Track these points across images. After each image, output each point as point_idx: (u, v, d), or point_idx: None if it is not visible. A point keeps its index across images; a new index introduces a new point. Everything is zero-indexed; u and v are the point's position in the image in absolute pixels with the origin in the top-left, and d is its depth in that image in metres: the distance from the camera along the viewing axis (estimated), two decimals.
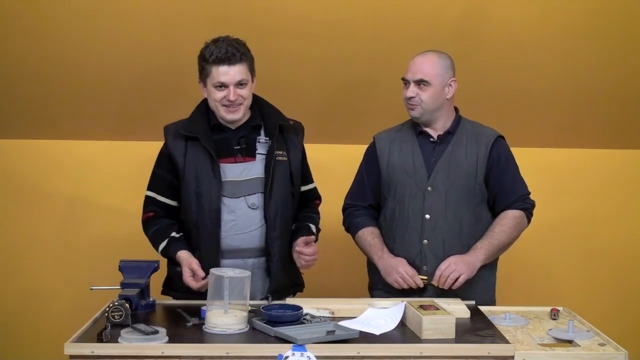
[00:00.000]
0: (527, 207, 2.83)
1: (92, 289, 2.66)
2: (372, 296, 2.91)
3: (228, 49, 2.61)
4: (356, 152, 3.01)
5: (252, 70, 2.69)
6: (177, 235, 2.71)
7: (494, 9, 3.23)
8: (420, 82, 2.72)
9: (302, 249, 2.69)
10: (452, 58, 2.79)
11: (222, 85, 2.63)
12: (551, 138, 3.84)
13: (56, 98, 3.51)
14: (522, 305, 2.73)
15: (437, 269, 2.68)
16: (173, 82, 3.43)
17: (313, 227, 2.84)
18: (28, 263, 3.78)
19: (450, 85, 2.77)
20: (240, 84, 2.64)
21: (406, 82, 2.77)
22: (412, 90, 2.74)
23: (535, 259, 3.87)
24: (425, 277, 2.73)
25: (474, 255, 2.70)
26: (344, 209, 2.97)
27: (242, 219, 2.69)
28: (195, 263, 2.61)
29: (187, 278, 2.61)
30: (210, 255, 2.66)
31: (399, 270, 2.72)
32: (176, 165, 2.70)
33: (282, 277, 2.73)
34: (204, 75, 2.66)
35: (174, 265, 2.71)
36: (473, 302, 2.68)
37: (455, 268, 2.64)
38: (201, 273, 2.59)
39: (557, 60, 3.43)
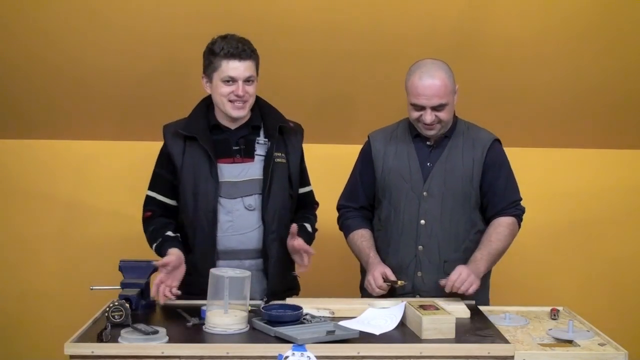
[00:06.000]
0: (519, 214, 2.82)
1: (92, 289, 2.66)
2: (362, 296, 2.90)
3: (239, 45, 2.63)
4: (354, 152, 3.01)
5: (257, 69, 2.70)
6: (172, 235, 2.70)
7: (493, 10, 3.23)
8: (438, 107, 2.66)
9: (301, 245, 2.64)
10: (447, 64, 2.74)
11: (231, 80, 2.63)
12: (550, 138, 3.84)
13: (55, 98, 3.51)
14: (522, 305, 2.73)
15: (448, 279, 2.61)
16: (173, 81, 3.42)
17: (309, 226, 2.83)
18: (28, 263, 3.78)
19: (455, 92, 2.75)
20: (248, 80, 2.65)
21: (419, 107, 2.68)
22: (431, 115, 2.66)
23: (535, 259, 3.86)
24: (397, 282, 2.68)
25: (477, 268, 2.66)
26: (337, 209, 2.96)
27: (239, 220, 2.68)
28: (174, 257, 2.58)
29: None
30: (207, 256, 2.65)
31: (368, 278, 2.71)
32: (175, 165, 2.70)
33: (279, 279, 2.72)
34: (211, 69, 2.66)
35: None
36: (473, 302, 2.68)
37: (467, 279, 2.60)
38: (168, 260, 2.55)
39: (556, 60, 3.43)
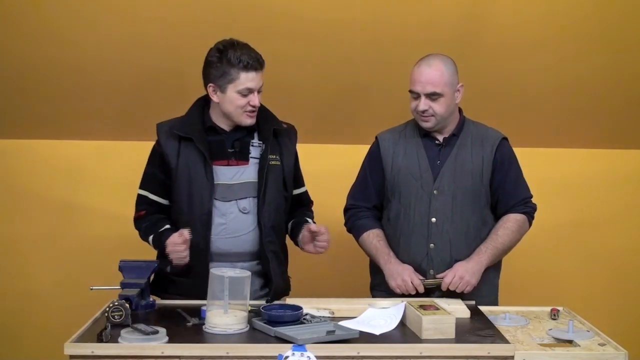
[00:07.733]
0: (529, 211, 2.82)
1: (92, 289, 2.66)
2: (373, 296, 2.90)
3: (251, 55, 2.62)
4: (354, 152, 3.01)
5: None
6: (170, 227, 2.69)
7: (495, 8, 3.23)
8: (432, 95, 2.69)
9: (318, 230, 2.68)
10: (454, 60, 2.77)
11: (248, 91, 2.63)
12: (551, 138, 3.84)
13: (54, 98, 3.51)
14: (522, 305, 2.73)
15: (443, 282, 2.67)
16: (171, 82, 3.42)
17: (310, 221, 2.85)
18: (28, 263, 3.78)
19: (458, 90, 2.75)
20: (259, 90, 2.66)
21: (415, 95, 2.72)
22: (424, 103, 2.69)
23: (535, 259, 3.86)
24: (433, 282, 2.71)
25: (478, 262, 2.69)
26: (347, 209, 2.94)
27: (233, 223, 2.68)
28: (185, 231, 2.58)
29: (176, 237, 2.56)
30: (200, 257, 2.64)
31: (404, 278, 2.70)
32: (168, 165, 2.69)
33: (280, 280, 2.74)
34: (225, 80, 2.61)
35: (164, 262, 2.68)
36: (473, 302, 2.69)
37: (462, 281, 2.65)
38: (187, 234, 2.56)
39: (557, 60, 3.43)
